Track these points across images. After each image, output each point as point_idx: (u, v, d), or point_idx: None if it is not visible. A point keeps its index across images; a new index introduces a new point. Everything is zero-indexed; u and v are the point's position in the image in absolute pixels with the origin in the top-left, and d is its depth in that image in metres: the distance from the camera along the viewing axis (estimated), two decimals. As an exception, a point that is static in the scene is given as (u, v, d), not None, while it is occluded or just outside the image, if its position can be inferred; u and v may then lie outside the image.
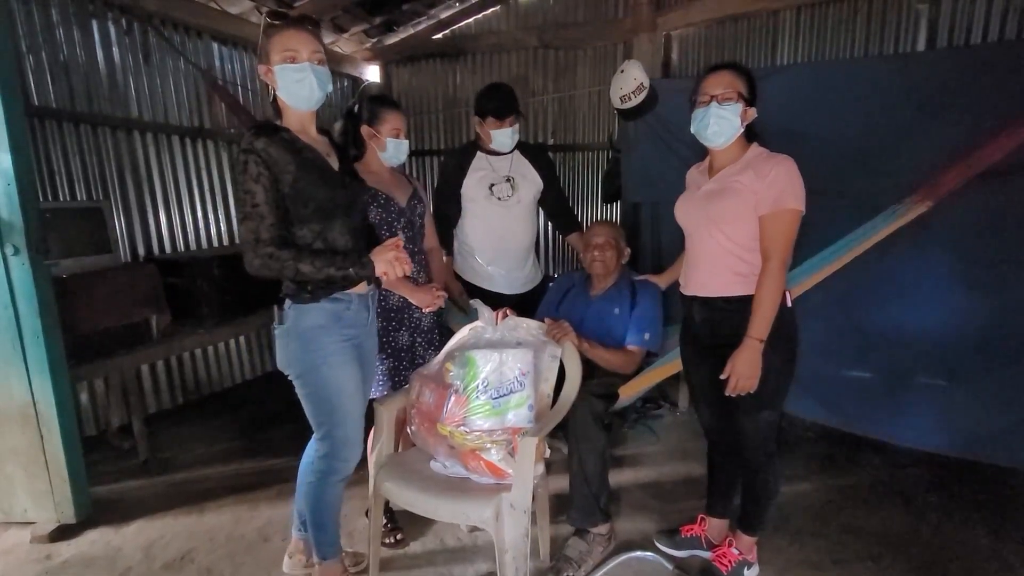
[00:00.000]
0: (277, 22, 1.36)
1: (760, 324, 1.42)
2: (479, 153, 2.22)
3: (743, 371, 1.43)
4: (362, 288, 1.46)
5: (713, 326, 1.55)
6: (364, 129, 1.78)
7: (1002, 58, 1.98)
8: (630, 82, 2.39)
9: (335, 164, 1.44)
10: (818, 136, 2.04)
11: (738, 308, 1.47)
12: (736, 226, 1.46)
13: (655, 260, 2.64)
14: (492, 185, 2.18)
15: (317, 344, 1.39)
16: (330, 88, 1.40)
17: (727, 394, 1.46)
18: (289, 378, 1.45)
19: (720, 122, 1.45)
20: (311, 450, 1.55)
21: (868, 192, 1.97)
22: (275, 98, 1.39)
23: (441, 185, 2.31)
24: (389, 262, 1.37)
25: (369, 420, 1.71)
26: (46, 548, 1.89)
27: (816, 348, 2.14)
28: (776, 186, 1.40)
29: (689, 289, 1.60)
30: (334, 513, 1.54)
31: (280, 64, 1.33)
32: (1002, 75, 1.86)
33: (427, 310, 1.80)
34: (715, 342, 1.54)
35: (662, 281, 2.08)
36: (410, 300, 1.78)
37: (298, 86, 1.34)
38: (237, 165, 1.30)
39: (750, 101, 1.47)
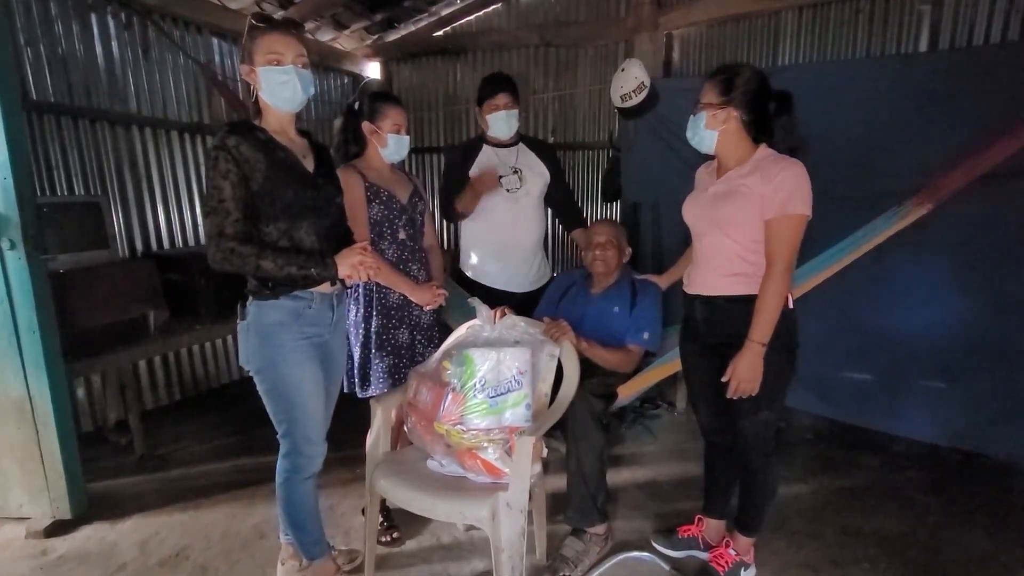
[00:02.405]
0: (262, 24, 1.36)
1: (762, 328, 1.41)
2: (485, 146, 2.21)
3: (744, 374, 1.43)
4: (326, 287, 1.45)
5: (714, 325, 1.55)
6: (365, 125, 1.78)
7: (1004, 60, 1.97)
8: (631, 81, 2.38)
9: (311, 166, 1.45)
10: (818, 138, 2.03)
11: (739, 308, 1.46)
12: (741, 229, 1.45)
13: (655, 259, 2.64)
14: (501, 176, 2.16)
15: (275, 340, 1.40)
16: (312, 91, 1.41)
17: (728, 396, 1.46)
18: (249, 373, 1.45)
19: (693, 130, 1.50)
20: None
21: (868, 194, 1.97)
22: (256, 97, 1.39)
23: (447, 175, 2.29)
24: (353, 265, 1.38)
25: (367, 417, 1.71)
26: (41, 543, 1.89)
27: (816, 348, 2.14)
28: (783, 190, 1.38)
29: (692, 288, 1.60)
30: (309, 511, 1.53)
31: (264, 66, 1.34)
32: (1004, 77, 1.86)
33: (427, 308, 1.80)
34: (716, 341, 1.53)
35: (663, 281, 2.07)
36: (410, 298, 1.77)
37: (281, 88, 1.35)
38: (208, 161, 1.31)
39: (733, 102, 1.43)
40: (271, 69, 1.34)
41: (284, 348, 1.41)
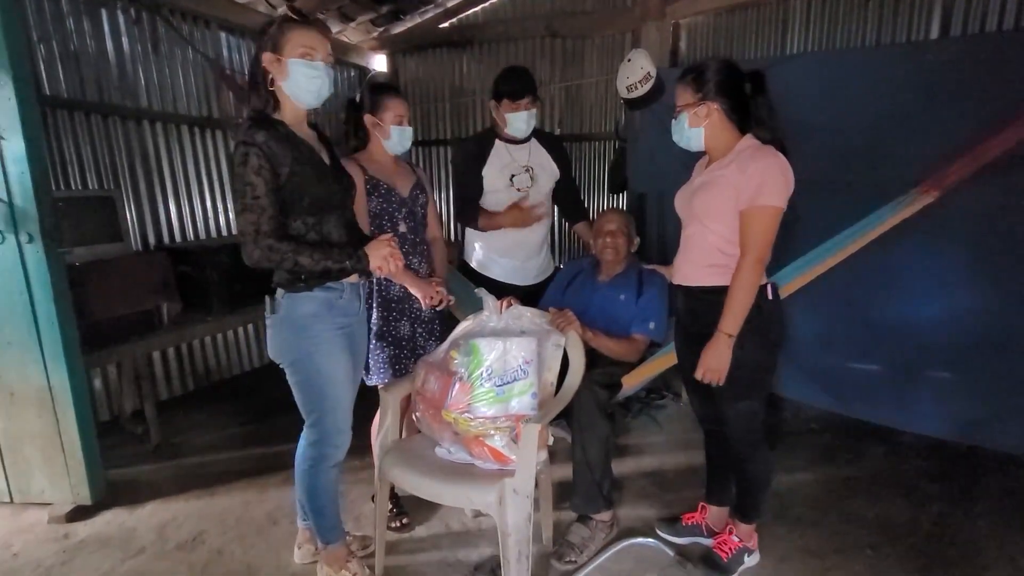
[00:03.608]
0: (296, 18, 1.39)
1: (730, 319, 1.42)
2: (497, 142, 2.17)
3: (709, 363, 1.46)
4: (353, 277, 1.48)
5: (694, 315, 1.58)
6: (367, 118, 1.78)
7: (1018, 46, 1.94)
8: (637, 71, 2.37)
9: (326, 159, 1.47)
10: (827, 126, 2.03)
11: (715, 299, 1.47)
12: (719, 220, 1.47)
13: (660, 250, 2.64)
14: (513, 176, 2.15)
15: (310, 332, 1.42)
16: (333, 90, 1.44)
17: (700, 382, 1.50)
18: (281, 366, 1.47)
19: (679, 133, 1.53)
20: (303, 438, 1.57)
21: (875, 182, 1.96)
22: (272, 89, 1.37)
23: (461, 172, 2.28)
24: (384, 258, 1.41)
25: (375, 406, 1.75)
26: (63, 528, 1.95)
27: (820, 338, 2.15)
28: (754, 181, 1.39)
29: (676, 278, 1.63)
30: (331, 498, 1.57)
31: (296, 58, 1.34)
32: (1017, 64, 1.83)
33: (426, 305, 1.78)
34: (697, 331, 1.56)
35: (670, 272, 2.08)
36: (411, 291, 1.79)
37: (310, 83, 1.37)
38: (236, 157, 1.31)
39: (708, 95, 1.44)
40: (302, 62, 1.34)
41: (319, 339, 1.43)
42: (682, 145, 1.55)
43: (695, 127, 1.49)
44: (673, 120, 1.53)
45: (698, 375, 1.49)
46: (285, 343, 1.44)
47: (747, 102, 1.46)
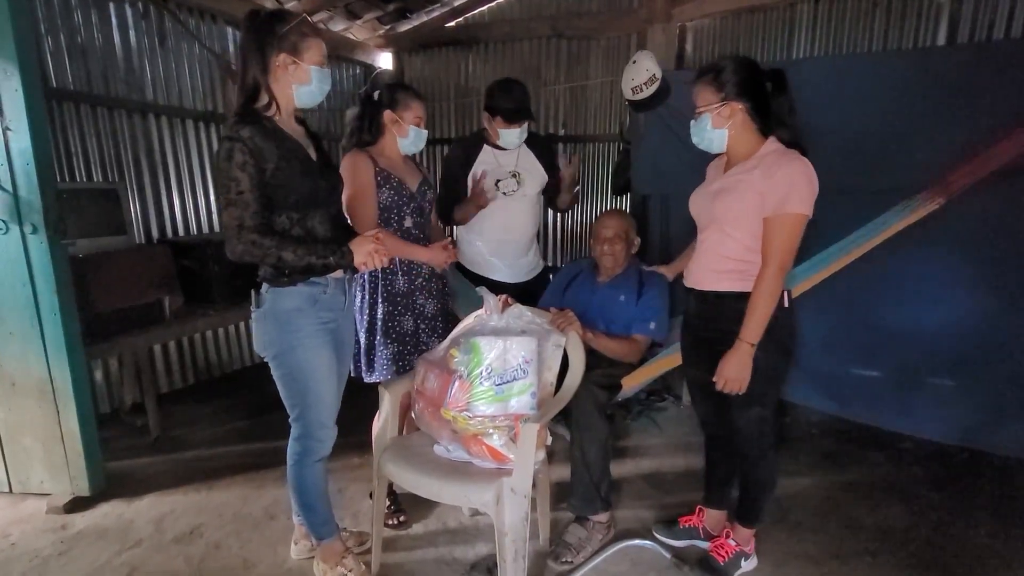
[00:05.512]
0: (312, 28, 1.45)
1: (752, 328, 1.41)
2: (485, 147, 2.19)
3: (730, 373, 1.44)
4: (338, 273, 1.49)
5: (706, 320, 1.57)
6: (387, 114, 1.80)
7: (1022, 54, 1.94)
8: (642, 73, 2.37)
9: (312, 154, 1.47)
10: (832, 131, 2.02)
11: (730, 304, 1.46)
12: (739, 225, 1.45)
13: (663, 252, 2.64)
14: (498, 181, 2.16)
15: (293, 326, 1.43)
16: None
17: (717, 390, 1.48)
18: (265, 359, 1.48)
19: (700, 134, 1.49)
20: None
21: (880, 187, 1.96)
22: (268, 85, 1.37)
23: (446, 174, 2.29)
24: (368, 253, 1.42)
25: (377, 403, 1.75)
26: (61, 519, 1.95)
27: (823, 343, 2.15)
28: (782, 188, 1.36)
29: (688, 281, 1.62)
30: (319, 493, 1.57)
31: (316, 65, 1.40)
32: (1022, 71, 1.83)
33: (443, 266, 1.82)
34: (708, 336, 1.55)
35: (669, 272, 2.08)
36: (425, 261, 1.80)
37: (320, 88, 1.43)
38: (221, 152, 1.32)
39: (737, 94, 1.41)
40: (321, 70, 1.41)
41: (302, 334, 1.43)
42: (702, 147, 1.52)
43: (719, 128, 1.45)
44: (693, 121, 1.49)
45: (719, 385, 1.46)
46: (268, 337, 1.45)
47: (768, 102, 1.44)
